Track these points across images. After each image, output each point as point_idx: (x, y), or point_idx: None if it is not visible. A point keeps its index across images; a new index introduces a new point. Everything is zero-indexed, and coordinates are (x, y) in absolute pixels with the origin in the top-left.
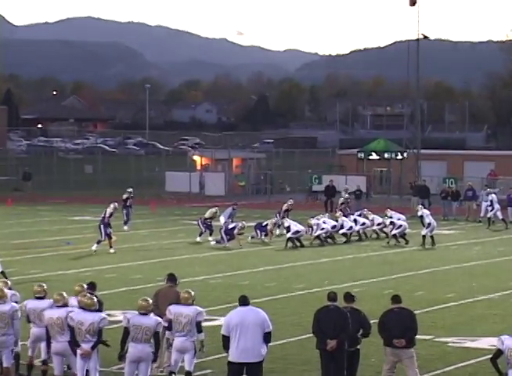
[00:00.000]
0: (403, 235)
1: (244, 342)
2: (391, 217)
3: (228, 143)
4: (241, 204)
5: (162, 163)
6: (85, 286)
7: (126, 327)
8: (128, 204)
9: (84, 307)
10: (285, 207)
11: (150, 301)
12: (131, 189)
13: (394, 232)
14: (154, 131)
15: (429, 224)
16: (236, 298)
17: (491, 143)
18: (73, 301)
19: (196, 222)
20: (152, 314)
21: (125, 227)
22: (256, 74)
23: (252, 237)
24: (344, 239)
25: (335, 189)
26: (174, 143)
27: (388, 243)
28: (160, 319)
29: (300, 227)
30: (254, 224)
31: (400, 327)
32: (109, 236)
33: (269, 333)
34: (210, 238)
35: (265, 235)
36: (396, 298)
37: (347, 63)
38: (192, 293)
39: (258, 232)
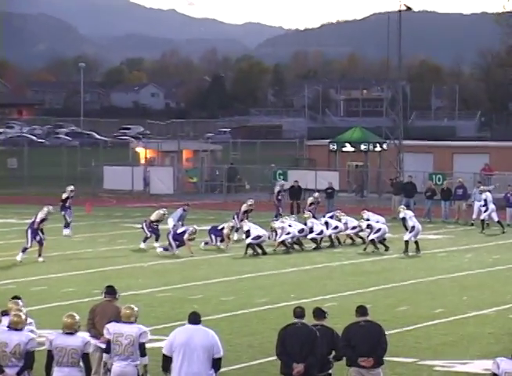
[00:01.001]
0: (382, 240)
1: (188, 367)
2: (367, 219)
3: (178, 133)
4: (193, 205)
5: (99, 156)
6: (20, 303)
7: (49, 350)
8: (67, 204)
9: (10, 325)
10: (244, 207)
11: (77, 317)
12: (72, 187)
13: (371, 237)
14: (90, 118)
15: (413, 227)
16: (186, 315)
17: (485, 133)
18: (5, 321)
19: (139, 226)
20: (79, 333)
21: (66, 231)
22: (210, 52)
23: (206, 243)
24: (313, 245)
25: (301, 190)
26: (114, 133)
27: (365, 249)
28: (88, 338)
29: (261, 231)
30: (207, 228)
31: (367, 343)
32: (39, 242)
33: (219, 359)
34: (156, 244)
35: (221, 240)
36: (362, 310)
37: (317, 39)
38: (135, 309)
39: (213, 237)
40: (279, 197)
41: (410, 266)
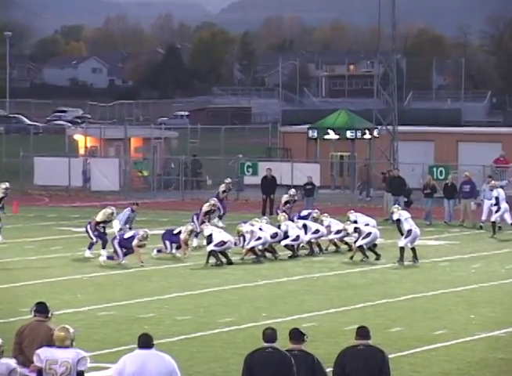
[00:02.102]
0: (373, 247)
1: None
2: (355, 221)
3: (125, 117)
4: (143, 204)
5: (29, 145)
6: None
7: None
8: (1, 205)
9: None
10: (205, 208)
11: None
12: (7, 185)
13: (360, 242)
14: (18, 99)
15: (409, 231)
16: (134, 338)
17: (496, 117)
18: None
19: (80, 230)
20: (3, 359)
21: None
22: (164, 18)
23: (159, 251)
24: (289, 253)
25: (275, 182)
26: (47, 117)
27: (352, 258)
28: (14, 364)
29: (226, 236)
30: (161, 232)
31: (366, 372)
32: None
33: None
34: (103, 252)
35: (177, 247)
36: (362, 331)
37: (293, 3)
38: (71, 330)
39: (167, 243)
40: (221, 197)
41: (406, 278)
